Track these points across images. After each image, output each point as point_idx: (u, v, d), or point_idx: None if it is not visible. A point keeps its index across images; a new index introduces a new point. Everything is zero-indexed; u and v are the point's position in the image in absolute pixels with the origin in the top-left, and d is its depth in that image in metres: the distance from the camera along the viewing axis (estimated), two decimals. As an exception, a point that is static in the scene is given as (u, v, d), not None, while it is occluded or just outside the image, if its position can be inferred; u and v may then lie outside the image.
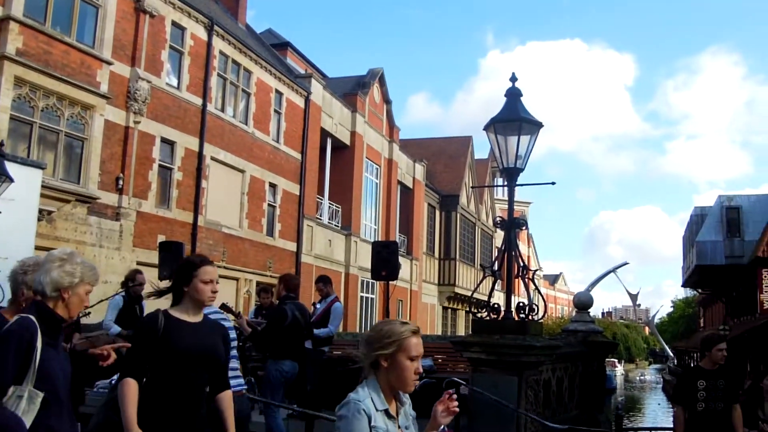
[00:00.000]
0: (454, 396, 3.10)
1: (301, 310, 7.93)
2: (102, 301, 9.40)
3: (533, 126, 7.74)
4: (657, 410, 41.36)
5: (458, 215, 40.57)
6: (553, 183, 8.55)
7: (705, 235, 36.00)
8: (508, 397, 6.77)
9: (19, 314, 3.40)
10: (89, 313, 8.93)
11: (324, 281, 10.34)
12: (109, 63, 17.11)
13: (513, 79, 7.87)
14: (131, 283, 8.76)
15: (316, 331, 9.56)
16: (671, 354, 72.69)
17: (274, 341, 7.62)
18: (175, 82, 19.87)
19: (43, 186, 14.28)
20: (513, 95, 7.82)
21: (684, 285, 48.98)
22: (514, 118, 7.67)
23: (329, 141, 28.19)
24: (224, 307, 9.04)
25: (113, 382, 10.49)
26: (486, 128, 7.82)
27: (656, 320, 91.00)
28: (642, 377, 76.76)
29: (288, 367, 7.61)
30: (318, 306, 10.19)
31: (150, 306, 9.13)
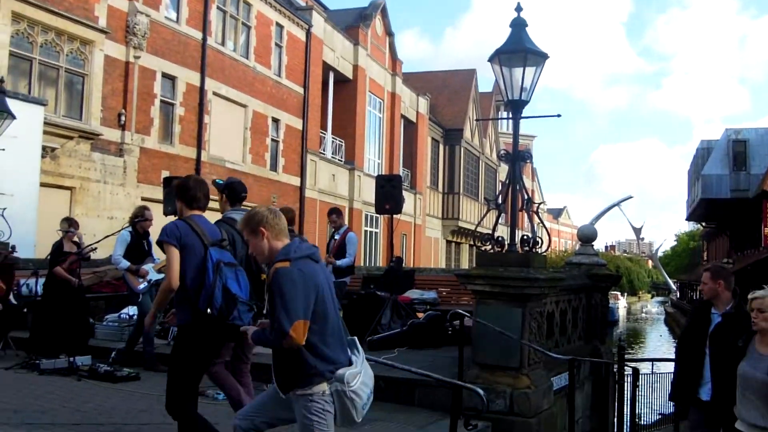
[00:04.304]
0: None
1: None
2: (108, 236, 9.47)
3: (539, 57, 7.59)
4: (659, 341, 41.98)
5: (462, 149, 40.40)
6: (559, 115, 8.43)
7: (711, 169, 35.92)
8: (511, 328, 6.86)
9: None
10: (96, 248, 9.00)
11: (336, 213, 10.52)
12: (107, -4, 16.82)
13: (518, 9, 7.67)
14: (139, 219, 8.79)
15: (336, 261, 9.78)
16: (674, 287, 73.32)
17: None
18: (174, 16, 19.56)
19: (45, 123, 14.25)
20: (518, 26, 7.64)
21: (688, 218, 49.07)
22: (519, 49, 7.51)
23: (331, 75, 27.89)
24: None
25: (122, 315, 10.66)
26: (491, 60, 7.68)
27: (659, 254, 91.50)
28: (645, 310, 77.61)
29: None
30: (333, 238, 10.32)
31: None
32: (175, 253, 4.47)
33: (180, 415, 4.51)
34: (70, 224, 9.38)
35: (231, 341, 4.41)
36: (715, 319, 5.36)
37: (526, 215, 7.72)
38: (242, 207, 6.09)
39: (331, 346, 3.64)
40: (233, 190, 6.06)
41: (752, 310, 4.51)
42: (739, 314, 5.10)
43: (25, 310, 10.20)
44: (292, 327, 3.44)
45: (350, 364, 3.66)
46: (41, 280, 9.36)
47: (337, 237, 10.26)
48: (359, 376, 3.64)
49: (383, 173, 28.82)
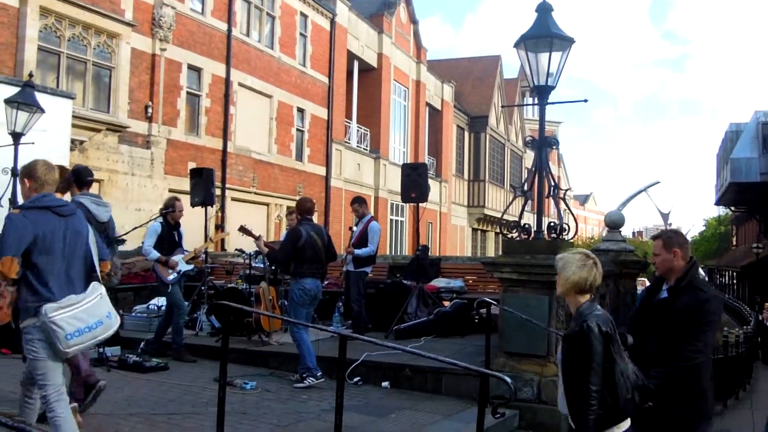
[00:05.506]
0: None
1: (318, 231, 8.07)
2: (136, 228, 9.58)
3: (565, 42, 7.50)
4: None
5: (487, 136, 40.18)
6: (585, 100, 8.34)
7: (740, 152, 35.31)
8: (538, 316, 6.83)
9: None
10: (125, 240, 9.09)
11: (359, 202, 10.43)
12: (132, -11, 16.91)
13: (543, -7, 7.60)
14: (169, 210, 8.88)
15: (357, 251, 9.76)
16: (702, 272, 72.52)
17: (294, 261, 7.78)
18: (199, 8, 19.64)
19: (73, 116, 14.39)
20: (544, 10, 7.56)
21: (717, 203, 48.33)
22: (545, 34, 7.43)
23: (356, 63, 27.85)
24: (242, 229, 9.44)
25: (150, 306, 10.77)
26: (516, 45, 7.61)
27: (688, 239, 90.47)
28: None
29: (309, 284, 7.76)
30: (355, 228, 10.28)
31: (187, 233, 9.27)
32: None
33: None
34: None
35: None
36: (662, 296, 4.44)
37: (552, 202, 7.66)
38: (90, 192, 6.78)
39: (50, 286, 4.20)
40: (79, 175, 6.64)
41: None
42: (688, 287, 4.21)
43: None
44: (0, 262, 4.04)
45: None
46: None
47: (357, 227, 10.23)
48: (66, 309, 4.12)
49: (408, 162, 28.76)
